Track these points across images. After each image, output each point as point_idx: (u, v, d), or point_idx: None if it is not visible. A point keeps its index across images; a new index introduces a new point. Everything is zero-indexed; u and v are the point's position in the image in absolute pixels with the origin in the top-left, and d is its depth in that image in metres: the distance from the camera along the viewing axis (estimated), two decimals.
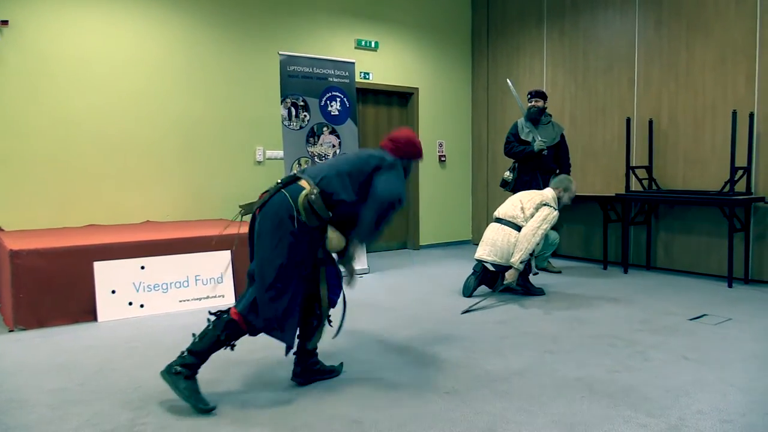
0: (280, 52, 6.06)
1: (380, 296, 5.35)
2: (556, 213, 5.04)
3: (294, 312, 2.95)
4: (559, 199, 5.18)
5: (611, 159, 7.03)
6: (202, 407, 2.81)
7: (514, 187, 6.38)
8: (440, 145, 8.49)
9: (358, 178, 3.04)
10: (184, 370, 2.86)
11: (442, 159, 8.51)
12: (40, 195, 5.72)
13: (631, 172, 6.61)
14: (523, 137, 6.29)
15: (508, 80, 6.54)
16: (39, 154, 5.70)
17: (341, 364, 3.39)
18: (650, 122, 6.55)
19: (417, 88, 8.18)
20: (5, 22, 5.49)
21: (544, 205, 5.05)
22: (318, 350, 3.26)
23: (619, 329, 4.18)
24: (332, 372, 3.29)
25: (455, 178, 8.69)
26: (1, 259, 4.73)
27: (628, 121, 6.68)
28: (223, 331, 2.91)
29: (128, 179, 6.14)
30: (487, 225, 8.48)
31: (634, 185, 6.65)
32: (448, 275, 6.26)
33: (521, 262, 4.89)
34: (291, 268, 2.91)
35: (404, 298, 5.27)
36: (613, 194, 6.65)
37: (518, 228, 5.05)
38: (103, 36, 6.00)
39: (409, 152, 3.29)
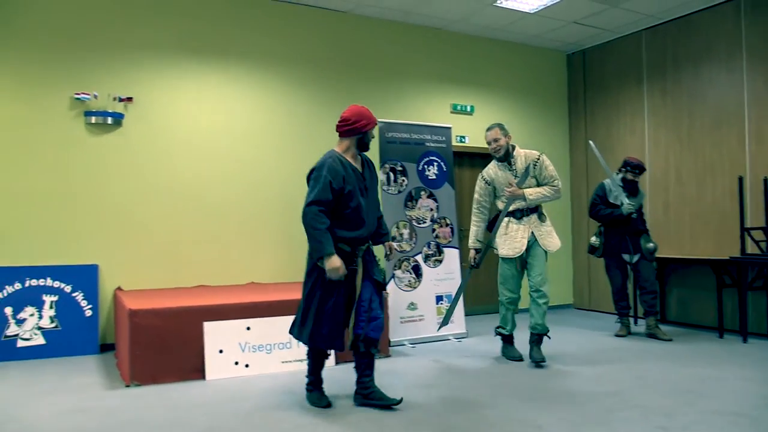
0: (379, 120, 6.27)
1: (477, 362, 5.24)
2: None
3: (324, 325, 3.73)
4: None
5: (723, 220, 6.67)
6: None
7: (603, 252, 6.31)
8: None
9: None
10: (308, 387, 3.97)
11: None
12: (156, 257, 6.11)
13: (746, 233, 6.24)
14: (611, 200, 6.22)
15: (590, 142, 6.45)
16: (156, 218, 6.12)
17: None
18: (765, 181, 6.19)
19: None
20: (130, 99, 6.02)
21: None
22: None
23: (741, 405, 3.87)
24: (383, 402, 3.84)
25: None
26: (121, 317, 5.05)
27: (741, 180, 6.36)
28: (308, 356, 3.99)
29: (234, 242, 6.45)
30: (590, 289, 8.30)
31: (750, 248, 6.26)
32: (548, 342, 6.05)
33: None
34: (314, 298, 3.75)
35: (503, 365, 5.13)
36: (727, 257, 6.26)
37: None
38: (216, 110, 6.45)
39: (350, 130, 3.83)
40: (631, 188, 6.19)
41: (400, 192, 6.19)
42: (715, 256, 6.52)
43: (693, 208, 7.00)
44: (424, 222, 6.29)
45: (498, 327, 5.37)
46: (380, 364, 5.06)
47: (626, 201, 6.09)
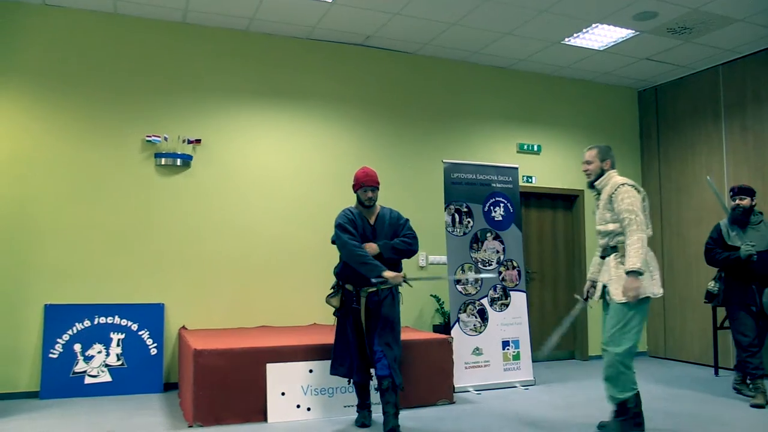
0: (444, 160, 6.18)
1: (545, 413, 4.95)
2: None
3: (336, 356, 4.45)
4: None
5: None
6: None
7: (723, 300, 5.54)
8: None
9: None
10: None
11: None
12: (220, 297, 6.14)
13: None
14: (729, 242, 5.40)
15: (707, 177, 6.03)
16: (221, 258, 6.18)
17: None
18: None
19: (582, 191, 7.91)
20: (198, 141, 6.16)
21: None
22: None
23: None
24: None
25: None
26: (185, 356, 5.06)
27: None
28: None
29: (297, 283, 6.42)
30: (665, 336, 7.85)
31: None
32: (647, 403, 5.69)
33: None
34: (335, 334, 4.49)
35: (571, 416, 4.83)
36: None
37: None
38: (281, 152, 6.53)
39: (353, 187, 4.56)
40: (742, 219, 5.37)
41: (465, 234, 6.05)
42: None
43: None
44: (490, 264, 6.11)
45: None
46: (443, 412, 4.89)
47: (745, 242, 5.29)
